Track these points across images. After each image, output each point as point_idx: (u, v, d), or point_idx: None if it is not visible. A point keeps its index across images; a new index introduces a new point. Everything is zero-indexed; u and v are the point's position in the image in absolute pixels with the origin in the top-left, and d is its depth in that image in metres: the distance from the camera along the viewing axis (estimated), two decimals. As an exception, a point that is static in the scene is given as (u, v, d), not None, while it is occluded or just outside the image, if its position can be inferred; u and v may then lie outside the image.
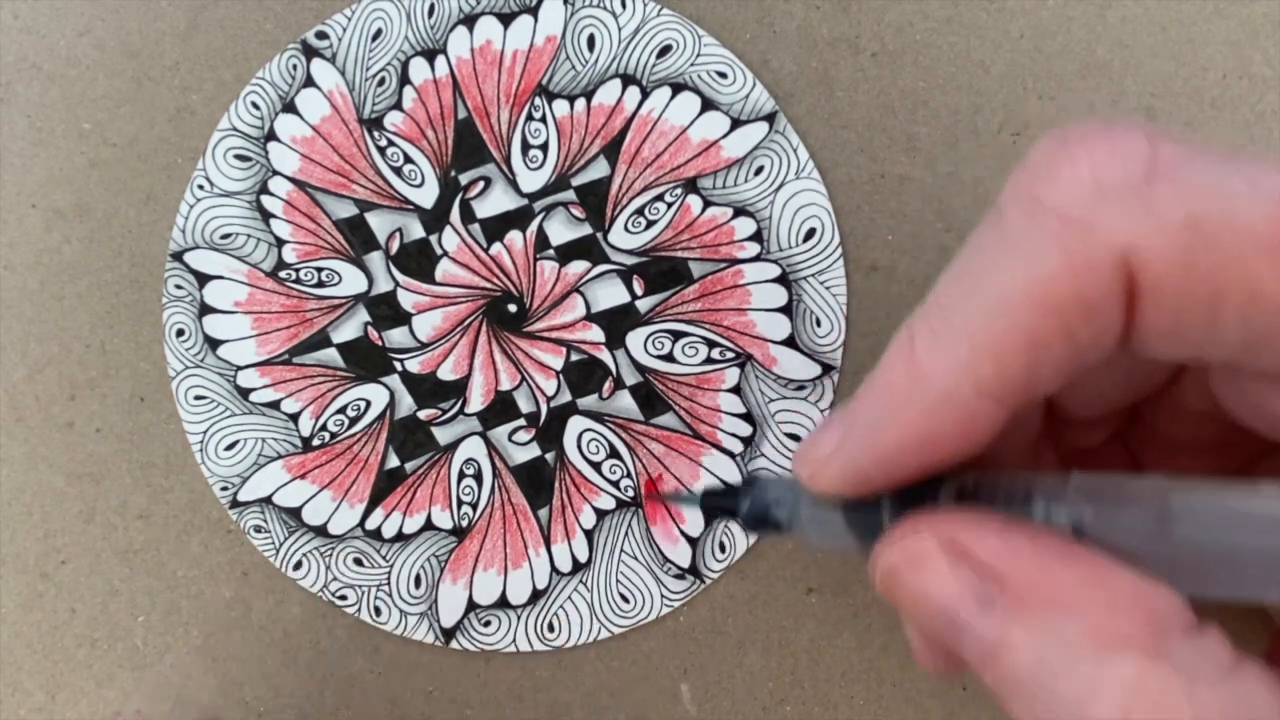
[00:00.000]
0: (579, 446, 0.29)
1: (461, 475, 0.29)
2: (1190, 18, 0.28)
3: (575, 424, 0.29)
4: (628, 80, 0.29)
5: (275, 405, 0.29)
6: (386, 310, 0.29)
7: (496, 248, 0.29)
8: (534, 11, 0.29)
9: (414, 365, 0.29)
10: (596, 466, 0.29)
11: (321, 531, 0.29)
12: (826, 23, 0.29)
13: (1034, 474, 0.17)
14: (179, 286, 0.29)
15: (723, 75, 0.29)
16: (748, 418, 0.29)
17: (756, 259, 0.29)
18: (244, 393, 0.29)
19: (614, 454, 0.29)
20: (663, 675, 0.29)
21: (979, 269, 0.16)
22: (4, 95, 0.29)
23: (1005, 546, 0.15)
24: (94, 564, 0.29)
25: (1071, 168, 0.15)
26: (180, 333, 0.29)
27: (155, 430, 0.29)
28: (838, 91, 0.29)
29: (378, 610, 0.29)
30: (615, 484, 0.29)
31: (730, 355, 0.29)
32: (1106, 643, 0.14)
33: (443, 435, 0.29)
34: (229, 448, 0.29)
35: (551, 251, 0.29)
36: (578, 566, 0.29)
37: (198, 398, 0.29)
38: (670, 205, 0.29)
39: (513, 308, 0.29)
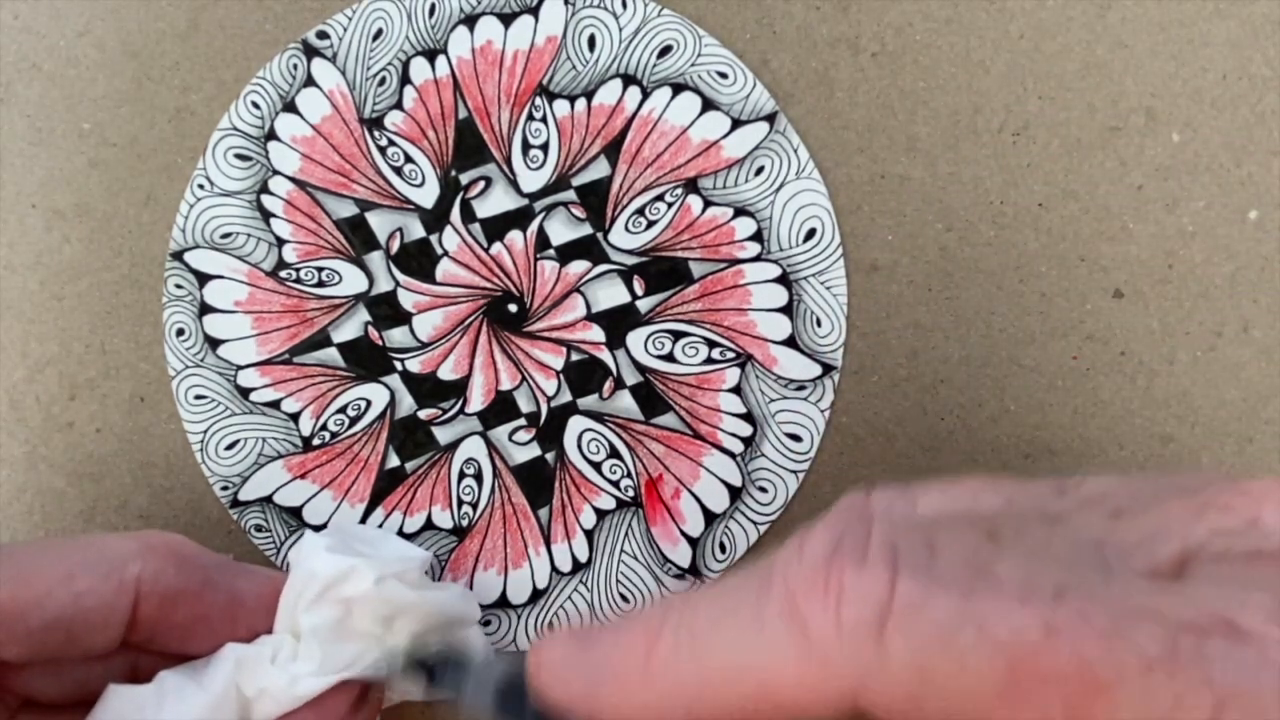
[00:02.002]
0: (579, 446, 0.29)
1: (462, 475, 0.29)
2: (1190, 18, 0.28)
3: (575, 424, 0.29)
4: (628, 80, 0.29)
5: (275, 405, 0.29)
6: (387, 310, 0.29)
7: (497, 247, 0.29)
8: (535, 11, 0.29)
9: (414, 365, 0.29)
10: (597, 466, 0.29)
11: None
12: (826, 23, 0.29)
13: None
14: (179, 286, 0.29)
15: (723, 75, 0.29)
16: (748, 418, 0.29)
17: (757, 259, 0.29)
18: (244, 392, 0.29)
19: (614, 454, 0.29)
20: (663, 675, 0.29)
21: (734, 626, 0.16)
22: (4, 95, 0.29)
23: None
24: (94, 564, 0.29)
25: (823, 597, 0.15)
26: (180, 332, 0.29)
27: (155, 430, 0.29)
28: (838, 91, 0.29)
29: None
30: (615, 484, 0.29)
31: (731, 355, 0.29)
32: None
33: (443, 435, 0.29)
34: (229, 447, 0.29)
35: (552, 251, 0.29)
36: (578, 566, 0.29)
37: (198, 397, 0.29)
38: (671, 205, 0.29)
39: (513, 307, 0.29)
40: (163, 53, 0.29)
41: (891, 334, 0.29)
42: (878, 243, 0.29)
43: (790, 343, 0.28)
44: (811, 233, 0.28)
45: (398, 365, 0.29)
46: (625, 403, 0.29)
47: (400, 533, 0.29)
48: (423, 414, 0.29)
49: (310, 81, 0.29)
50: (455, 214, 0.29)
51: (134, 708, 0.22)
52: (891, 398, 0.29)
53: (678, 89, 0.29)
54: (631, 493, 0.29)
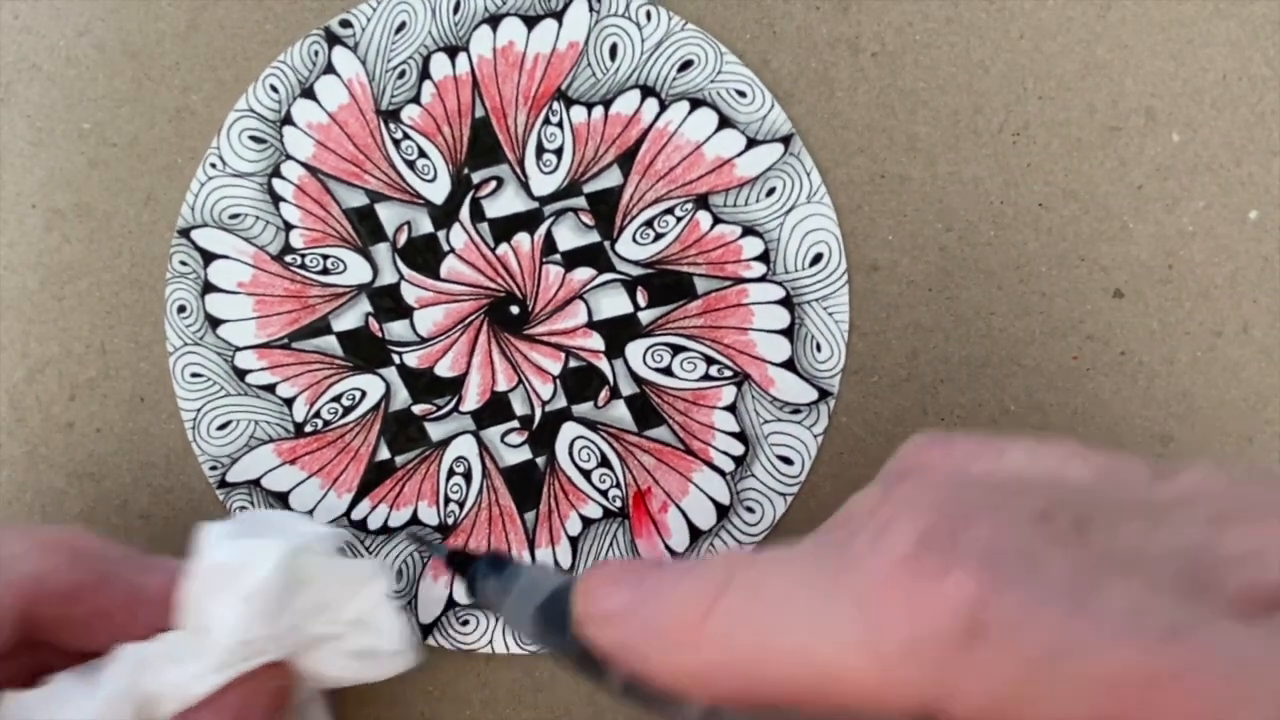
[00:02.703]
0: (570, 453, 0.29)
1: (451, 473, 0.29)
2: (1190, 18, 0.28)
3: (568, 430, 0.29)
4: (647, 92, 0.29)
5: (271, 389, 0.29)
6: (389, 302, 0.29)
7: (503, 248, 0.29)
8: (559, 16, 0.29)
9: (412, 359, 0.29)
10: (586, 474, 0.29)
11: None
12: (826, 23, 0.29)
13: None
14: (184, 263, 0.29)
15: (742, 94, 0.29)
16: (741, 437, 0.28)
17: (762, 279, 0.28)
18: (240, 374, 0.29)
19: (605, 463, 0.29)
20: (663, 675, 0.29)
21: (802, 602, 0.15)
22: (4, 95, 0.29)
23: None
24: (94, 564, 0.29)
25: (905, 599, 0.14)
26: (182, 309, 0.29)
27: (155, 430, 0.29)
28: (838, 91, 0.29)
29: None
30: (604, 493, 0.29)
31: (728, 373, 0.28)
32: None
33: (435, 431, 0.29)
34: (221, 427, 0.29)
35: (558, 256, 0.29)
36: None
37: (194, 375, 0.29)
38: (680, 219, 0.29)
39: (515, 309, 0.29)
40: (163, 53, 0.29)
41: (891, 334, 0.29)
42: (878, 243, 0.29)
43: (789, 365, 0.28)
44: (818, 257, 0.28)
45: (395, 358, 0.29)
46: (620, 413, 0.29)
47: (385, 527, 0.29)
48: (417, 409, 0.29)
49: (330, 69, 0.29)
50: (464, 212, 0.29)
51: (24, 712, 0.22)
52: (891, 398, 0.29)
53: (695, 104, 0.29)
54: (619, 503, 0.29)
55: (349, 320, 0.29)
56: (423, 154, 0.29)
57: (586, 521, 0.29)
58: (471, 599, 0.26)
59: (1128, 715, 0.12)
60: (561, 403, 0.29)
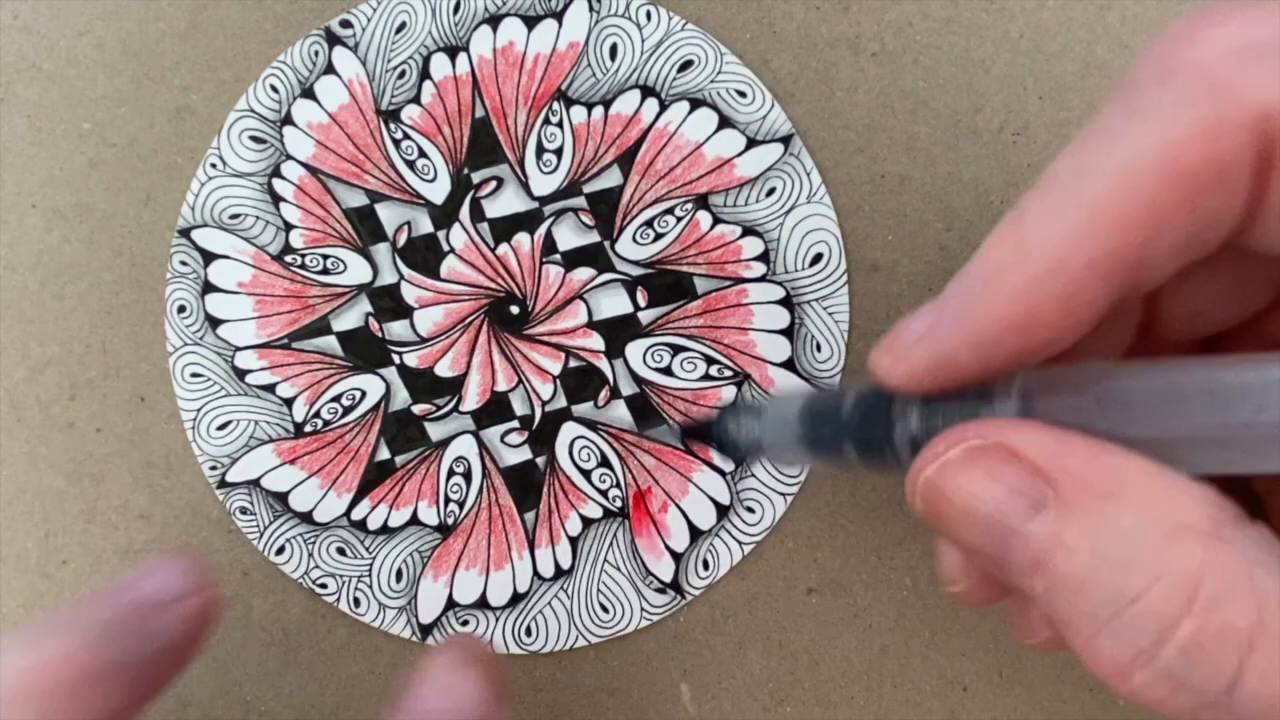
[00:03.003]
0: (570, 453, 0.29)
1: (451, 473, 0.29)
2: (1190, 18, 0.28)
3: (568, 430, 0.29)
4: (647, 92, 0.29)
5: (271, 389, 0.29)
6: (389, 302, 0.29)
7: (503, 248, 0.29)
8: (559, 16, 0.29)
9: (412, 359, 0.29)
10: (586, 474, 0.29)
11: (307, 518, 0.29)
12: (826, 23, 0.29)
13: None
14: (184, 263, 0.29)
15: (742, 94, 0.29)
16: None
17: (762, 279, 0.28)
18: (240, 374, 0.29)
19: (605, 463, 0.29)
20: (663, 675, 0.29)
21: (1103, 138, 0.15)
22: (4, 95, 0.29)
23: (1056, 447, 0.15)
24: (95, 564, 0.29)
25: (1219, 28, 0.14)
26: (182, 309, 0.29)
27: (155, 430, 0.29)
28: (838, 91, 0.29)
29: (357, 601, 0.29)
30: (604, 493, 0.29)
31: (728, 373, 0.29)
32: (1167, 532, 0.14)
33: (435, 431, 0.29)
34: (221, 427, 0.29)
35: (558, 256, 0.29)
36: (560, 573, 0.29)
37: (194, 375, 0.29)
38: (680, 219, 0.29)
39: (515, 309, 0.29)
40: (163, 53, 0.29)
41: (891, 334, 0.29)
42: (878, 243, 0.29)
43: (789, 365, 0.28)
44: (818, 257, 0.28)
45: (395, 358, 0.29)
46: (620, 413, 0.29)
47: (385, 526, 0.29)
48: (416, 409, 0.29)
49: (330, 69, 0.29)
50: (464, 212, 0.29)
51: None
52: (891, 398, 0.29)
53: (695, 104, 0.29)
54: (619, 503, 0.29)
55: (349, 320, 0.29)
56: (423, 154, 0.29)
57: (586, 521, 0.29)
58: (728, 456, 0.26)
59: None
60: (561, 403, 0.29)
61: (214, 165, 0.29)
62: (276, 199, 0.29)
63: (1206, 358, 0.15)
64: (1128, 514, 0.14)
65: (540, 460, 0.29)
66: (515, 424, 0.29)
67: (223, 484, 0.29)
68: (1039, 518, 0.15)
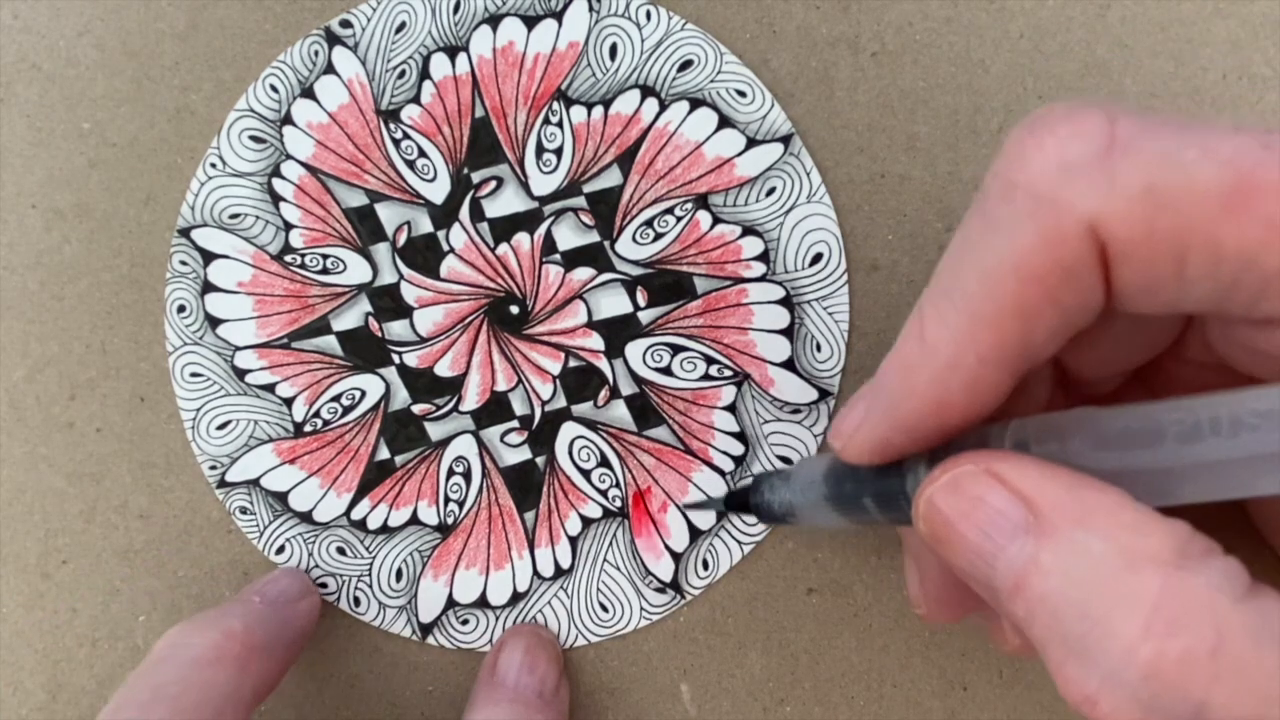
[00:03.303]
0: (570, 453, 0.29)
1: (451, 472, 0.29)
2: (1190, 18, 0.28)
3: (568, 430, 0.29)
4: (647, 91, 0.29)
5: (270, 388, 0.29)
6: (389, 302, 0.29)
7: (503, 248, 0.29)
8: (559, 16, 0.29)
9: (412, 359, 0.29)
10: (586, 474, 0.29)
11: (306, 518, 0.29)
12: (826, 23, 0.29)
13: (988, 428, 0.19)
14: (184, 262, 0.29)
15: (742, 94, 0.28)
16: (741, 437, 0.28)
17: (761, 279, 0.28)
18: (240, 373, 0.29)
19: (604, 463, 0.29)
20: (663, 675, 0.29)
21: (968, 249, 0.17)
22: (4, 95, 0.29)
23: (1039, 477, 0.16)
24: (95, 564, 0.29)
25: (1038, 150, 0.16)
26: (181, 309, 0.29)
27: (155, 430, 0.29)
28: (838, 91, 0.29)
29: (357, 601, 0.29)
30: (604, 493, 0.29)
31: (728, 373, 0.28)
32: (1129, 560, 0.15)
33: (435, 431, 0.29)
34: (220, 427, 0.29)
35: (558, 256, 0.29)
36: (559, 572, 0.29)
37: (194, 375, 0.29)
38: (680, 219, 0.29)
39: (514, 309, 0.29)
40: (163, 53, 0.29)
41: (891, 334, 0.29)
42: (878, 243, 0.29)
43: (789, 365, 0.28)
44: (818, 257, 0.28)
45: (395, 358, 0.29)
46: (619, 412, 0.29)
47: (385, 525, 0.29)
48: (416, 408, 0.29)
49: (330, 69, 0.29)
50: (464, 212, 0.29)
51: None
52: (891, 398, 0.29)
53: (695, 104, 0.29)
54: (619, 503, 0.29)
55: (349, 320, 0.29)
56: (423, 154, 0.29)
57: (586, 521, 0.29)
58: (764, 522, 0.27)
59: (1248, 187, 0.15)
60: (561, 402, 0.29)
61: (214, 165, 0.29)
62: (276, 199, 0.29)
63: (1181, 398, 0.16)
64: (1096, 541, 0.15)
65: (540, 460, 0.29)
66: (515, 424, 0.29)
67: (222, 484, 0.29)
68: (1020, 540, 0.16)
